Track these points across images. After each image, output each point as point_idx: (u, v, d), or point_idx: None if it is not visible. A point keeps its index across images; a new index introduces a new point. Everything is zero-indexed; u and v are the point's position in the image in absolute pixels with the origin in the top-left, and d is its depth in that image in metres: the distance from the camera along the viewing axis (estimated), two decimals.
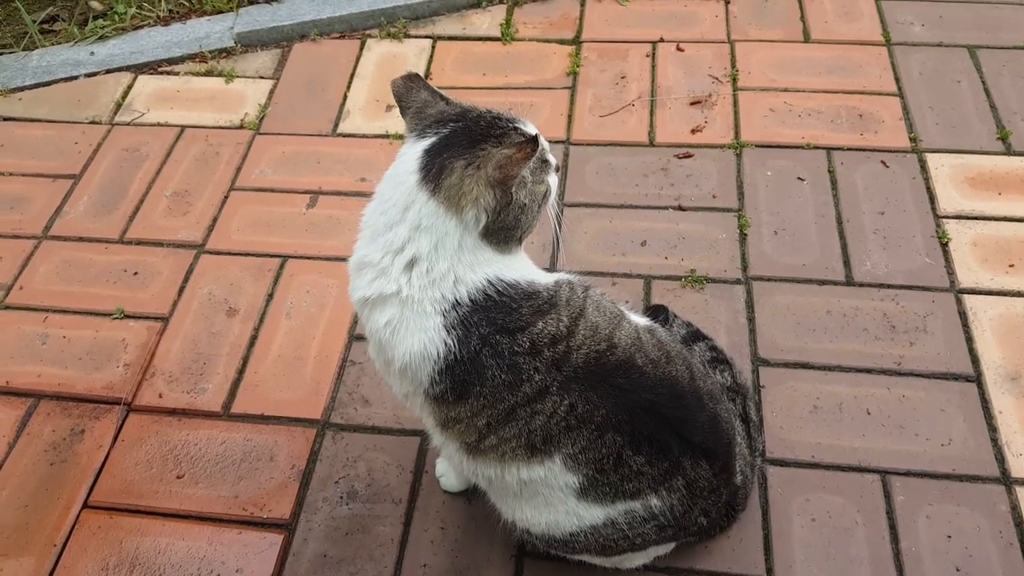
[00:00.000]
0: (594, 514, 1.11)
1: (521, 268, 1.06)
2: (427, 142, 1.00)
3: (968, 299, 1.64)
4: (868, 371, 1.55)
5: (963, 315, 1.62)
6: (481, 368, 1.00)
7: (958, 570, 1.31)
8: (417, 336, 1.00)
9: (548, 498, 1.10)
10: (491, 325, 1.00)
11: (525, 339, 1.01)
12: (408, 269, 1.00)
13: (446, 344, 1.00)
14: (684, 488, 1.12)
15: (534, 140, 0.97)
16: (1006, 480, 1.40)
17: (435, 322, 1.00)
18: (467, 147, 0.99)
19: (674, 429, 1.09)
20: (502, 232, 1.01)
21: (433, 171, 0.98)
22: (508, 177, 0.96)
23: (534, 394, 1.02)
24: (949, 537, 1.35)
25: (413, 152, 1.00)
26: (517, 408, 1.02)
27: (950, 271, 1.69)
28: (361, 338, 1.66)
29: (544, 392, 1.02)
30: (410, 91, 1.07)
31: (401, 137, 2.03)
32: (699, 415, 1.13)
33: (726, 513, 1.28)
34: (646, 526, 1.13)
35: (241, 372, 1.63)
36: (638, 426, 1.06)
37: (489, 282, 1.01)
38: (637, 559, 1.27)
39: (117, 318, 1.73)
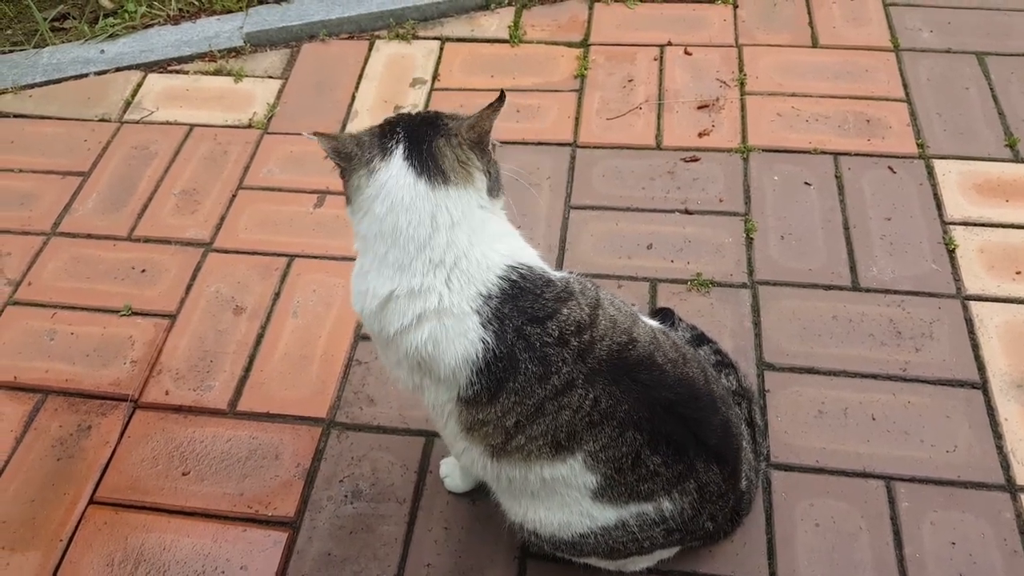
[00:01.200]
0: (607, 516, 1.11)
1: (530, 253, 1.09)
2: (398, 152, 1.01)
3: (974, 306, 1.64)
4: (874, 377, 1.55)
5: (969, 322, 1.62)
6: (515, 362, 1.01)
7: None
8: (459, 341, 1.01)
9: (565, 498, 1.11)
10: (522, 315, 1.02)
11: (554, 327, 1.03)
12: (449, 275, 1.00)
13: (484, 342, 1.01)
14: (695, 492, 1.13)
15: (502, 95, 1.03)
16: (1011, 487, 1.40)
17: (473, 322, 1.01)
18: (432, 131, 1.02)
19: (691, 430, 1.09)
20: (493, 187, 1.06)
21: (429, 167, 0.99)
22: (483, 133, 1.02)
23: (562, 386, 1.03)
24: (953, 544, 1.35)
25: (394, 169, 1.00)
26: (545, 402, 1.03)
27: (956, 278, 1.68)
28: (367, 338, 1.67)
29: (571, 385, 1.03)
30: (338, 138, 1.05)
31: None
32: (714, 418, 1.14)
33: (731, 518, 1.28)
34: (655, 529, 1.14)
35: (247, 370, 1.63)
36: (657, 425, 1.07)
37: (511, 266, 1.03)
38: (641, 562, 1.27)
39: (124, 315, 1.74)
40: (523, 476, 1.09)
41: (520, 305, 1.02)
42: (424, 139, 1.01)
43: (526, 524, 1.18)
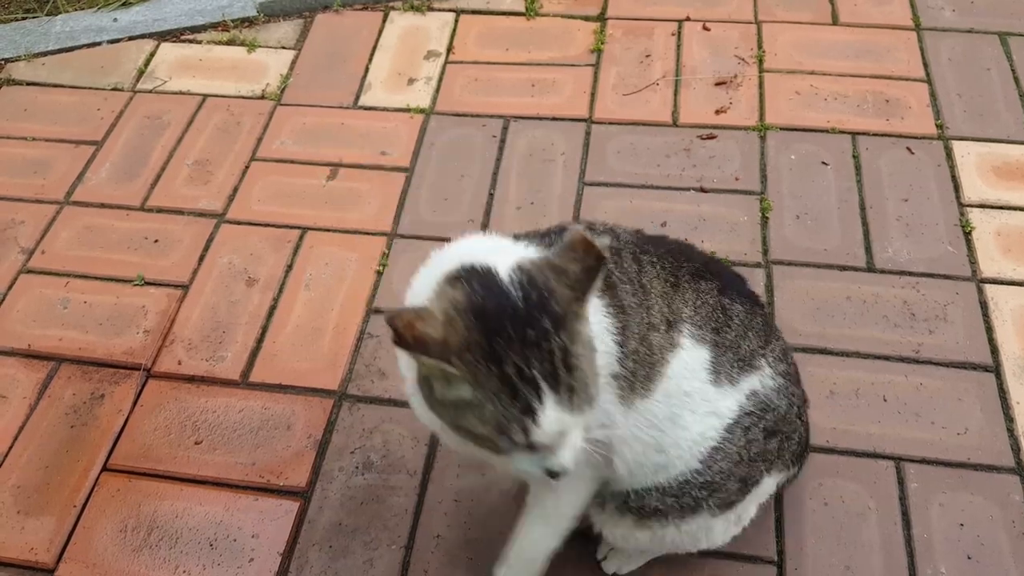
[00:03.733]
0: (728, 404, 1.06)
1: None
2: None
3: (989, 289, 1.63)
4: (886, 358, 1.54)
5: (984, 305, 1.60)
6: (620, 255, 1.06)
7: (969, 558, 1.32)
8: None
9: (693, 399, 1.05)
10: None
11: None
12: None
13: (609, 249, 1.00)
14: (782, 357, 1.14)
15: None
16: (1020, 471, 1.40)
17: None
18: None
19: (737, 281, 1.16)
20: None
21: None
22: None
23: (644, 262, 1.06)
24: (961, 525, 1.35)
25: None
26: (646, 282, 1.04)
27: (972, 260, 1.67)
28: (379, 311, 1.67)
29: (640, 255, 1.07)
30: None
31: (422, 111, 2.03)
32: None
33: (801, 448, 1.24)
34: (763, 425, 1.10)
35: (260, 341, 1.64)
36: (712, 270, 1.11)
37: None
38: (749, 508, 1.21)
39: (137, 284, 1.75)
40: (664, 391, 1.02)
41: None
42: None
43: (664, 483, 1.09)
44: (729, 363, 1.07)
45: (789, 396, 1.14)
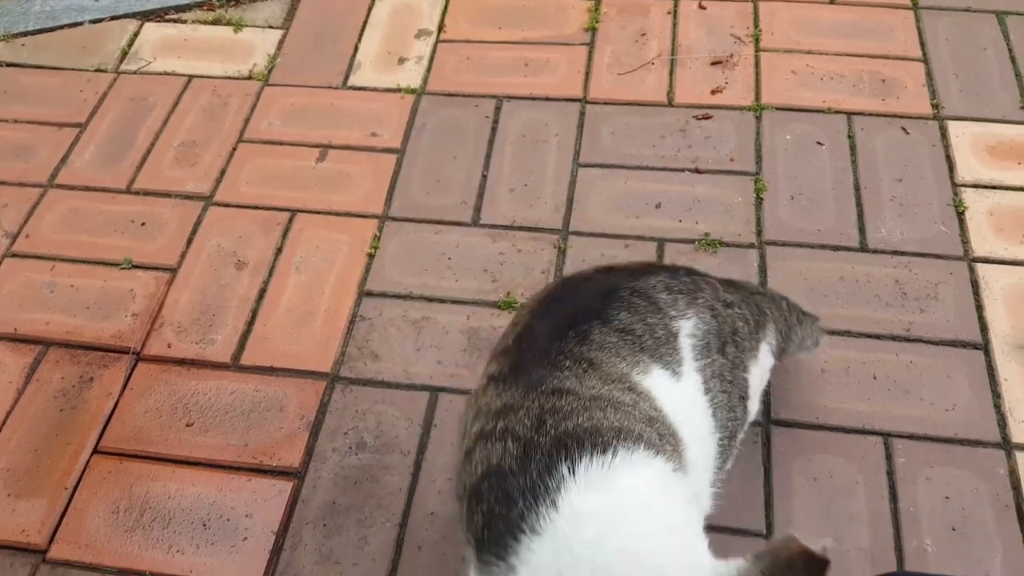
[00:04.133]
0: (693, 378, 1.07)
1: None
2: None
3: (981, 268, 1.63)
4: (877, 337, 1.55)
5: (975, 284, 1.61)
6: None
7: (954, 530, 1.33)
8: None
9: (693, 411, 1.07)
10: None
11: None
12: None
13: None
14: (668, 292, 1.12)
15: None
16: (1006, 445, 1.41)
17: None
18: None
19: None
20: None
21: None
22: None
23: (560, 385, 1.00)
24: (947, 498, 1.36)
25: None
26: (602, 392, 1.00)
27: (964, 240, 1.68)
28: (371, 294, 1.66)
29: (559, 381, 1.01)
30: None
31: (413, 91, 2.01)
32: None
33: (757, 321, 1.23)
34: (713, 354, 1.11)
35: (250, 324, 1.63)
36: (585, 313, 1.07)
37: None
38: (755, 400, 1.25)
39: (125, 268, 1.73)
40: (682, 428, 1.05)
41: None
42: None
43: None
44: (668, 355, 1.06)
45: (706, 309, 1.12)
